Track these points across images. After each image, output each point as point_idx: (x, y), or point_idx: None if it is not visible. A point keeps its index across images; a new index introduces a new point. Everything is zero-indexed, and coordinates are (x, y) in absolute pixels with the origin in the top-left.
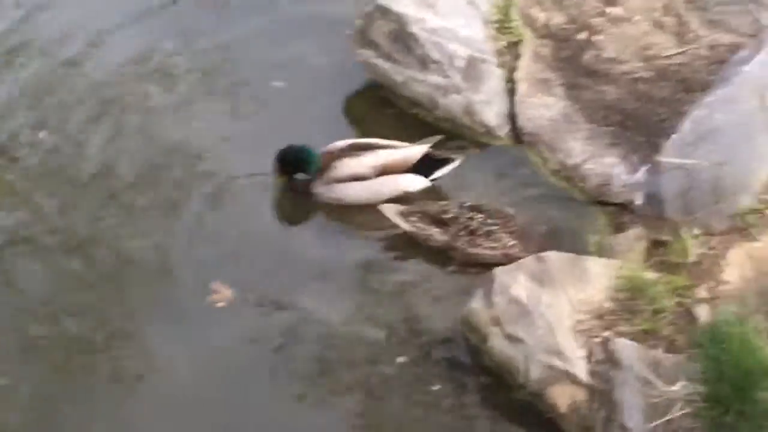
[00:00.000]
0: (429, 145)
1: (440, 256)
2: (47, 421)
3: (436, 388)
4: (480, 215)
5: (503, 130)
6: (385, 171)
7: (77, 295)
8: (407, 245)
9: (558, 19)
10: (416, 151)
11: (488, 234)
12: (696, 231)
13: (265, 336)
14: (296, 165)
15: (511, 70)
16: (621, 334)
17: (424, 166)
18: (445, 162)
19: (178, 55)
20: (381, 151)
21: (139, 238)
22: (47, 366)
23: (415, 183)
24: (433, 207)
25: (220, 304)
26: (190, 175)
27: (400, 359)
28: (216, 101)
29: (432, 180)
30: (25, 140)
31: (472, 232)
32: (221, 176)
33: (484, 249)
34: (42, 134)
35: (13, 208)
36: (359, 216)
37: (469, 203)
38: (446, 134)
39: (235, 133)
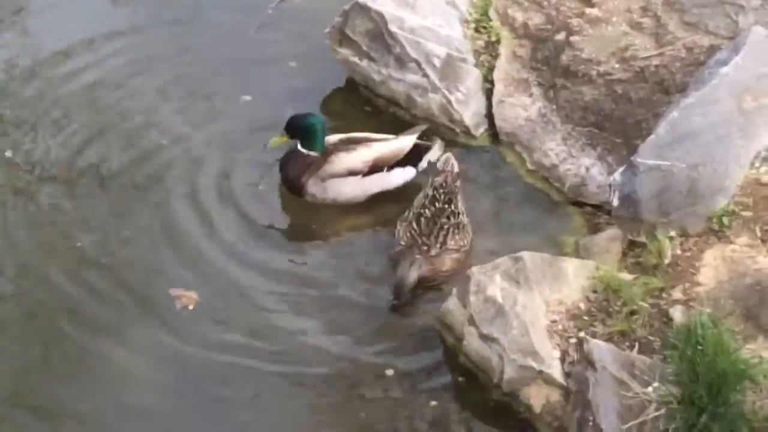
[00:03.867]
0: (417, 134)
1: None
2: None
3: (410, 382)
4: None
5: (480, 130)
6: (377, 164)
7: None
8: (376, 248)
9: (536, 19)
10: (408, 141)
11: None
12: (671, 232)
13: (233, 347)
14: (303, 132)
15: (489, 69)
16: (596, 335)
17: (410, 156)
18: (427, 149)
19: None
20: (374, 144)
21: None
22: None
23: (406, 175)
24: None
25: (191, 307)
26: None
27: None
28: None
29: (420, 170)
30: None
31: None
32: (194, 177)
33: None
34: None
35: None
36: (339, 217)
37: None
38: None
39: (210, 134)
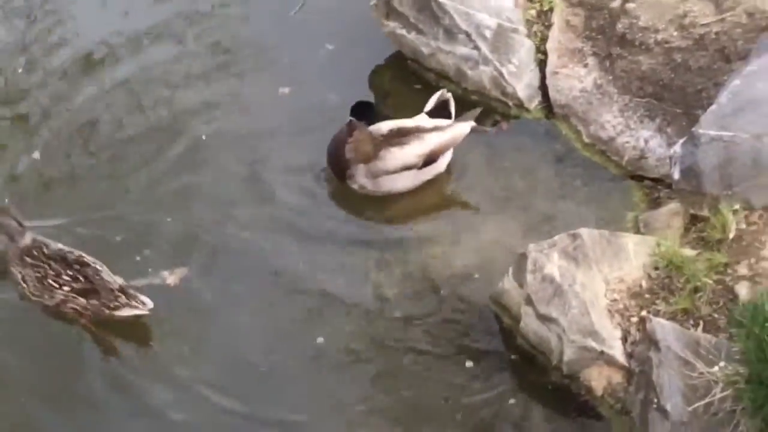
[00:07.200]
0: (472, 120)
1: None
2: None
3: (468, 366)
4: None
5: (534, 103)
6: (432, 156)
7: None
8: (434, 221)
9: None
10: (465, 128)
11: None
12: (735, 206)
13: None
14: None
15: (542, 40)
16: (658, 314)
17: None
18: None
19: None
20: (427, 136)
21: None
22: None
23: (450, 155)
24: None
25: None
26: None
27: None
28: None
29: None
30: None
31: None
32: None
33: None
34: None
35: None
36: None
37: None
38: (476, 107)
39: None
